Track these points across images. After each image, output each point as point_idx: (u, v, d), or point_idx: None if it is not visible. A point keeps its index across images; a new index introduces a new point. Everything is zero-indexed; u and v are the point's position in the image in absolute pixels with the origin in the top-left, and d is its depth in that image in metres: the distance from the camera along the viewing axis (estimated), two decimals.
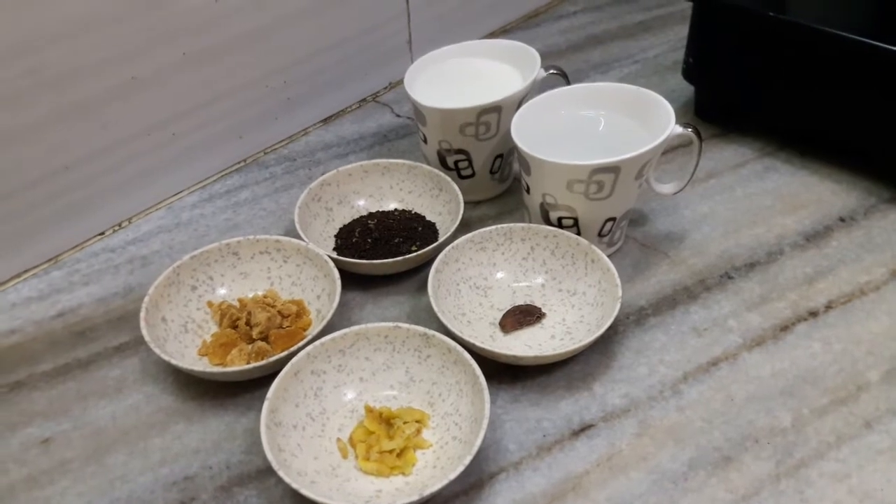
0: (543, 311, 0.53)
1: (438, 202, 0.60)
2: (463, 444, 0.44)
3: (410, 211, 0.61)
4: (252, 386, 0.50)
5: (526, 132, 0.54)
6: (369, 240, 0.58)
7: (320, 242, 0.57)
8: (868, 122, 0.59)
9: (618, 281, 0.50)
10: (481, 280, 0.55)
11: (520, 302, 0.54)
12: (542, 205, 0.54)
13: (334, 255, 0.55)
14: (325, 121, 0.75)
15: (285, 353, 0.47)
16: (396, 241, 0.58)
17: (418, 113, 0.60)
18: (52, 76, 0.54)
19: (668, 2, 0.91)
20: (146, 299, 0.51)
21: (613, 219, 0.54)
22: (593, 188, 0.51)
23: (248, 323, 0.51)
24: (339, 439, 0.46)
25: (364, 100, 0.78)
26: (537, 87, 0.59)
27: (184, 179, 0.66)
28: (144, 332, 0.49)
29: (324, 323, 0.49)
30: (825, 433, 0.45)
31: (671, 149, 0.54)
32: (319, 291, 0.53)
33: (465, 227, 0.58)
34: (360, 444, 0.45)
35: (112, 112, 0.58)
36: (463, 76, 0.63)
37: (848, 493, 0.42)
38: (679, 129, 0.52)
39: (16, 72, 0.52)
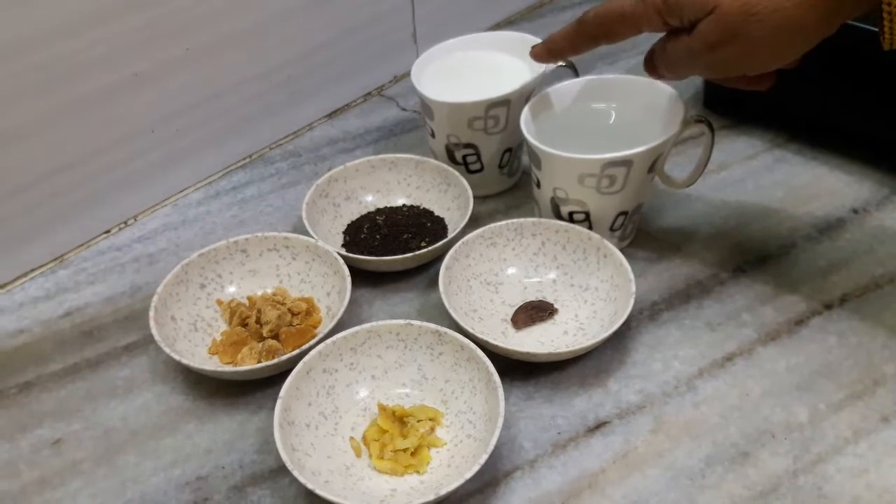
0: (556, 306, 0.52)
1: (447, 197, 0.60)
2: (478, 442, 0.43)
3: (419, 206, 0.61)
4: (263, 384, 0.49)
5: (536, 126, 0.54)
6: (378, 236, 0.57)
7: (328, 239, 0.57)
8: (879, 112, 0.58)
9: (631, 276, 0.49)
10: (492, 276, 0.54)
11: (531, 298, 0.53)
12: (552, 199, 0.54)
13: (343, 251, 0.54)
14: (330, 115, 0.74)
15: (297, 351, 0.47)
16: (405, 237, 0.57)
17: (426, 107, 0.59)
18: (55, 73, 0.53)
19: None
20: (155, 298, 0.50)
21: (625, 213, 0.53)
22: (605, 182, 0.50)
23: (258, 321, 0.51)
24: (352, 438, 0.46)
25: (369, 94, 0.77)
26: (546, 80, 0.58)
27: (189, 176, 0.66)
28: (154, 331, 0.48)
29: (335, 320, 0.49)
30: (842, 428, 0.45)
31: (681, 141, 0.54)
32: (329, 288, 0.53)
33: (474, 222, 0.58)
34: (373, 443, 0.45)
35: (115, 109, 0.57)
36: (470, 69, 0.62)
37: (866, 488, 0.42)
38: (692, 121, 0.52)
39: (18, 69, 0.51)
